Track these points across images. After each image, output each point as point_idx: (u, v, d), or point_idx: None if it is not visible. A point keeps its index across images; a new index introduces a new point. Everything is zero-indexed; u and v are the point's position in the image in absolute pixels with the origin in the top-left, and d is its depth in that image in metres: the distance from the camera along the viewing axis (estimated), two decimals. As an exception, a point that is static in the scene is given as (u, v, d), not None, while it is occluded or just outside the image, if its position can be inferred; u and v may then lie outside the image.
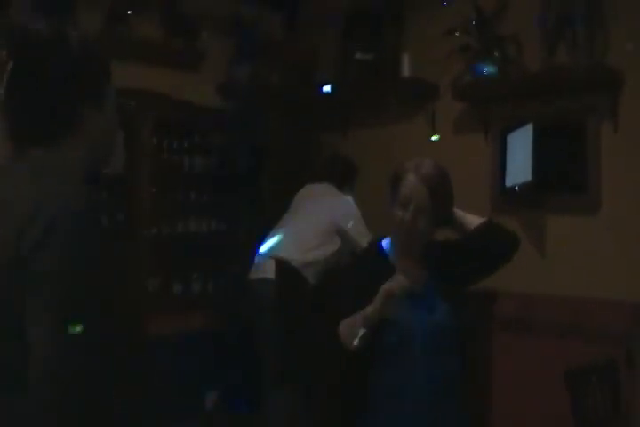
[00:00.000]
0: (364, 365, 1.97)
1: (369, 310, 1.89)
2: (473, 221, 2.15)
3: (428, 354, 1.98)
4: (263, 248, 3.79)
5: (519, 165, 3.48)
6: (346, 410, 2.06)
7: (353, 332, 1.89)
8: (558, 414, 3.01)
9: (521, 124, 3.48)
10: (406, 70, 4.11)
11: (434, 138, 4.07)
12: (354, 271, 2.17)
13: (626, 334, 3.21)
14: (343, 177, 3.96)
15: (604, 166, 3.41)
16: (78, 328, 1.20)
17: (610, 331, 3.27)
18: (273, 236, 3.79)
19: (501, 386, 3.67)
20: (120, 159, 3.98)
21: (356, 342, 1.87)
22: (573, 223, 3.50)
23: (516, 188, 3.52)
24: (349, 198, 3.87)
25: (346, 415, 2.06)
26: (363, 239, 3.43)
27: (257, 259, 3.78)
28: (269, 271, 3.63)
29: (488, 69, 3.67)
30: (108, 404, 1.26)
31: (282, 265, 3.62)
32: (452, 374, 2.05)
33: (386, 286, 1.87)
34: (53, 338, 1.18)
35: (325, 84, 4.44)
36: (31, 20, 1.55)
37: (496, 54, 3.68)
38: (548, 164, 3.39)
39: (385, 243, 2.16)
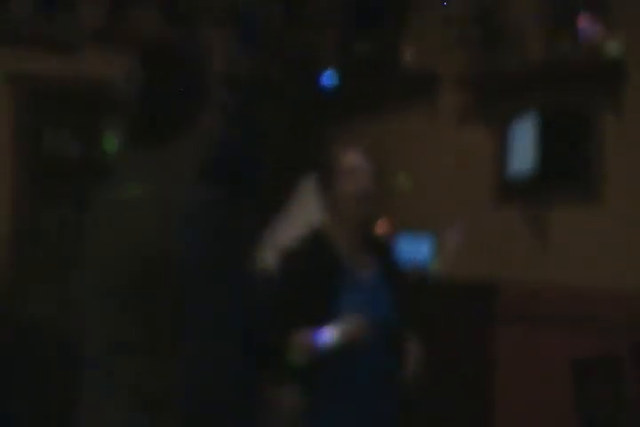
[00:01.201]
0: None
1: (324, 344, 1.90)
2: None
3: (369, 351, 1.96)
4: (265, 242, 3.79)
5: (522, 156, 3.47)
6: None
7: (302, 352, 1.93)
8: (562, 406, 3.01)
9: (523, 114, 3.46)
10: (407, 61, 4.09)
11: None
12: (298, 262, 2.15)
13: (630, 325, 3.20)
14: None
15: (606, 156, 3.39)
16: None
17: (614, 322, 3.26)
18: (274, 228, 3.80)
19: (505, 378, 3.66)
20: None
21: (301, 360, 1.93)
22: (576, 213, 3.48)
23: (519, 178, 3.50)
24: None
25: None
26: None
27: (258, 251, 3.77)
28: (271, 264, 3.62)
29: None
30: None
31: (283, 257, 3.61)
32: (389, 372, 2.03)
33: (347, 332, 1.87)
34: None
35: (326, 75, 4.42)
36: (159, 31, 1.72)
37: (498, 45, 3.66)
38: (550, 154, 3.37)
39: (328, 229, 2.14)
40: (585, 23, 3.29)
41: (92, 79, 3.75)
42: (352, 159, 2.11)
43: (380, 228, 2.06)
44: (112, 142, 3.94)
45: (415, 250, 3.87)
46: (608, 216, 3.36)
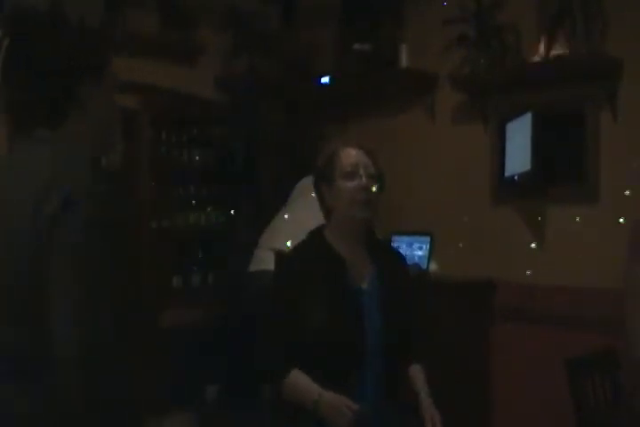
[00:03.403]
0: (313, 362, 1.90)
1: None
2: None
3: (375, 354, 1.91)
4: (262, 240, 3.79)
5: (518, 155, 3.46)
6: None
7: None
8: (558, 404, 3.01)
9: (520, 113, 3.46)
10: (405, 61, 4.09)
11: None
12: (298, 261, 2.05)
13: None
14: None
15: (603, 155, 3.39)
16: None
17: (610, 320, 3.26)
18: (272, 228, 3.79)
19: (501, 376, 3.67)
20: (117, 155, 3.98)
21: None
22: (573, 212, 3.48)
23: (516, 177, 3.50)
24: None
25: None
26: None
27: (256, 251, 3.77)
28: (269, 263, 3.62)
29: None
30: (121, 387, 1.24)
31: (281, 257, 3.61)
32: (395, 374, 1.98)
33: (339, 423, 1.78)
34: (72, 321, 1.16)
35: (324, 75, 4.42)
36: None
37: (495, 44, 3.66)
38: (547, 153, 3.37)
39: (327, 232, 2.05)
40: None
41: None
42: (353, 156, 2.02)
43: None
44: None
45: (413, 250, 3.88)
46: (605, 216, 3.36)
